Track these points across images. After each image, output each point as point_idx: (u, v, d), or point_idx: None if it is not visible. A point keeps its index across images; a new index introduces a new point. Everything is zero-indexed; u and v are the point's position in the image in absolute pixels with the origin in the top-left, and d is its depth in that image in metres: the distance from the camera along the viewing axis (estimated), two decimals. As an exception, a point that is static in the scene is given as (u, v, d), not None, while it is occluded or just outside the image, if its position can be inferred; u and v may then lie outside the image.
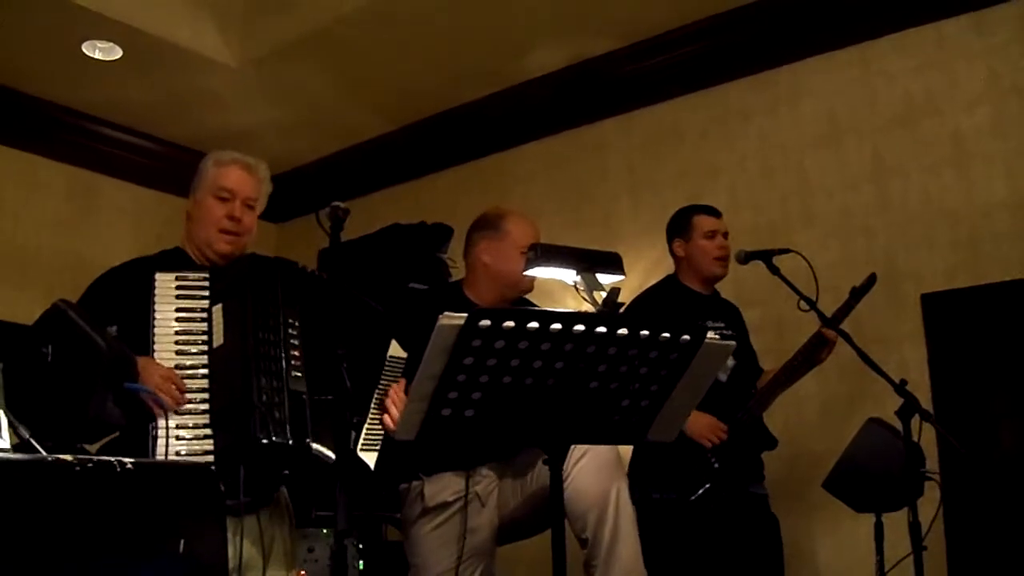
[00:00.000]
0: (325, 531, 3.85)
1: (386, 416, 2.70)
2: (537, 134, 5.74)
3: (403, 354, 2.78)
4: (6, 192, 5.56)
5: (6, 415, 1.58)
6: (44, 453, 1.59)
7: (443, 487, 3.17)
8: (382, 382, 2.70)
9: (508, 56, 5.32)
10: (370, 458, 2.61)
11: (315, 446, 2.41)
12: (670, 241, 3.97)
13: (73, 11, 4.71)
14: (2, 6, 4.63)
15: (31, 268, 5.47)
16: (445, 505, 3.16)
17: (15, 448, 1.75)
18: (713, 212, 3.93)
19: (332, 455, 2.44)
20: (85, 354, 2.06)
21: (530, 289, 3.38)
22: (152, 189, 6.15)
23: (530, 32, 5.08)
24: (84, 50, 5.09)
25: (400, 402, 2.68)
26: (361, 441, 2.61)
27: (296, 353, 2.46)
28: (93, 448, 2.58)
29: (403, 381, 2.75)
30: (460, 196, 5.76)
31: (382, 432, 2.71)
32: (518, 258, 3.27)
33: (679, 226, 3.94)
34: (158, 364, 2.42)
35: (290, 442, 2.36)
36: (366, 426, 2.65)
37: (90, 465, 1.32)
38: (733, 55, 4.98)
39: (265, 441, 2.32)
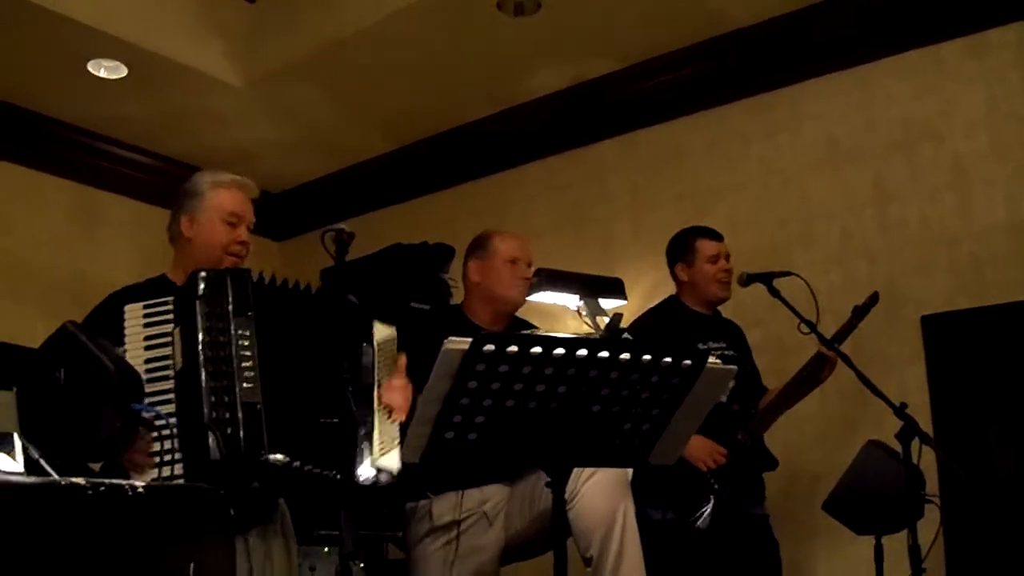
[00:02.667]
0: (327, 549, 3.85)
1: (396, 413, 2.63)
2: (538, 155, 5.77)
3: (390, 332, 2.71)
4: (9, 208, 5.57)
5: (20, 438, 1.60)
6: (55, 475, 1.61)
7: (451, 506, 3.20)
8: (378, 372, 2.65)
9: (509, 77, 5.35)
10: (392, 460, 2.54)
11: (272, 456, 2.36)
12: (672, 265, 3.98)
13: (78, 30, 4.75)
14: (8, 24, 4.67)
15: (33, 284, 5.47)
16: (452, 524, 3.18)
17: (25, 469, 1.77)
18: (715, 235, 3.95)
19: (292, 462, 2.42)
20: (94, 376, 2.08)
21: (521, 303, 3.43)
22: (155, 206, 6.14)
23: (531, 53, 5.12)
24: (89, 68, 5.12)
25: (400, 389, 2.65)
26: (377, 448, 2.56)
27: (247, 364, 2.41)
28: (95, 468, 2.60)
29: (402, 360, 2.70)
30: (460, 216, 5.78)
31: (396, 429, 2.62)
32: (505, 273, 3.37)
33: (681, 250, 3.95)
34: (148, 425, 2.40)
35: (241, 454, 2.32)
36: (376, 432, 2.60)
37: (102, 489, 1.34)
38: (733, 77, 5.02)
39: (216, 458, 2.29)
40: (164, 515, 1.43)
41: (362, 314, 2.65)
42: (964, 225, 4.32)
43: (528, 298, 3.34)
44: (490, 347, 1.89)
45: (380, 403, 2.60)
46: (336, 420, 2.28)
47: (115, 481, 1.37)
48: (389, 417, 2.62)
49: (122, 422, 2.10)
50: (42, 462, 1.72)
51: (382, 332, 2.68)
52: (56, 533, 1.30)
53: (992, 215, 4.26)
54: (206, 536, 1.49)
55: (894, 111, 4.58)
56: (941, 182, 4.41)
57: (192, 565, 1.39)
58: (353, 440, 2.26)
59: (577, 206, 5.58)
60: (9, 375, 2.05)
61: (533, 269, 3.42)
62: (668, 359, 2.07)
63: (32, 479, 1.36)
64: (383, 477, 2.45)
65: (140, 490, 1.38)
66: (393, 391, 2.64)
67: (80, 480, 1.34)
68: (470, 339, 1.89)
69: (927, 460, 3.44)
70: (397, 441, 2.59)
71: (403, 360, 2.69)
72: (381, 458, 2.51)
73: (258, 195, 2.94)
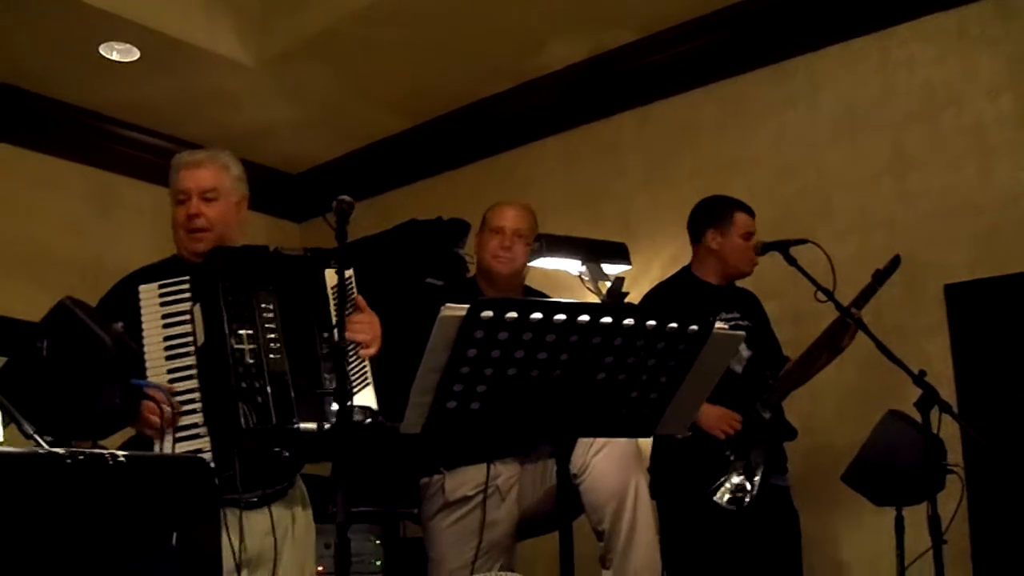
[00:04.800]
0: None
1: (361, 349, 2.60)
2: (554, 129, 5.71)
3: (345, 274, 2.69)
4: (25, 193, 5.58)
5: (3, 409, 1.59)
6: (44, 445, 1.59)
7: (464, 481, 3.19)
8: (336, 315, 2.63)
9: (523, 51, 5.29)
10: (365, 397, 2.52)
11: (303, 425, 2.39)
12: (703, 229, 3.87)
13: (90, 13, 4.73)
14: (19, 8, 4.66)
15: (51, 269, 5.49)
16: (466, 499, 3.18)
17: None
18: (751, 211, 3.89)
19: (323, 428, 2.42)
20: (90, 350, 2.06)
21: (503, 271, 3.40)
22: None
23: (545, 27, 5.05)
24: (101, 51, 5.10)
25: (364, 323, 2.62)
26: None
27: (272, 336, 2.46)
28: (110, 446, 2.60)
29: (360, 301, 2.67)
30: (477, 193, 5.70)
31: (365, 365, 2.61)
32: (488, 243, 3.41)
33: (717, 216, 3.86)
34: (151, 399, 2.41)
35: (273, 423, 2.36)
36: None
37: (82, 458, 1.32)
38: (750, 46, 4.93)
39: (248, 428, 2.32)
40: (146, 485, 1.41)
41: (309, 265, 2.64)
42: (987, 192, 4.22)
43: (530, 264, 3.31)
44: (488, 313, 1.86)
45: (343, 342, 2.58)
46: (332, 389, 2.26)
47: (95, 451, 1.35)
48: (356, 354, 2.59)
49: (121, 397, 2.08)
50: (36, 436, 1.70)
51: (334, 278, 2.65)
52: (35, 502, 1.28)
53: (1016, 181, 4.16)
54: (190, 506, 1.47)
55: (915, 76, 4.48)
56: (963, 148, 4.30)
57: (175, 534, 1.37)
58: (347, 410, 2.23)
59: (594, 181, 5.52)
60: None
61: (523, 237, 3.40)
62: (673, 324, 2.03)
63: (10, 448, 1.34)
64: (358, 415, 2.42)
65: (121, 459, 1.36)
66: (357, 326, 2.62)
67: (59, 449, 1.31)
68: (467, 305, 1.85)
69: (951, 430, 3.38)
70: (368, 379, 2.57)
71: (361, 299, 2.67)
72: (354, 397, 2.48)
73: (226, 161, 2.89)
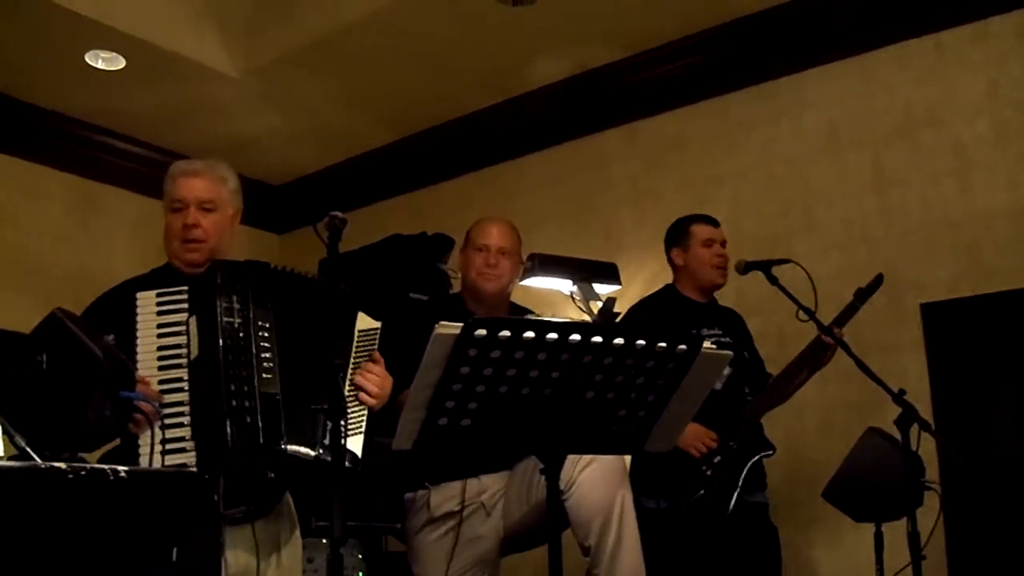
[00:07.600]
0: (325, 541, 3.84)
1: (361, 393, 2.60)
2: (540, 145, 5.75)
3: (374, 325, 2.69)
4: (9, 201, 5.56)
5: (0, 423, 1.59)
6: (37, 460, 1.59)
7: (449, 496, 3.19)
8: (354, 359, 2.62)
9: (511, 67, 5.33)
10: (356, 443, 2.53)
11: (291, 447, 2.38)
12: (668, 251, 3.98)
13: (76, 21, 4.73)
14: (4, 14, 4.64)
15: (34, 277, 5.47)
16: (451, 514, 3.18)
17: (11, 458, 1.75)
18: (711, 221, 3.95)
19: (311, 452, 2.42)
20: (82, 362, 2.06)
21: (489, 289, 3.40)
22: (154, 199, 6.11)
23: (533, 43, 5.09)
24: (87, 60, 5.10)
25: (378, 376, 2.63)
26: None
27: (267, 356, 2.44)
28: (92, 458, 2.59)
29: (378, 357, 2.68)
30: (463, 207, 5.74)
31: (363, 413, 2.62)
32: (473, 260, 3.40)
33: (677, 235, 3.96)
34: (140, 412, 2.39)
35: (260, 444, 2.34)
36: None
37: (83, 473, 1.33)
38: (734, 66, 4.99)
39: (234, 448, 2.30)
40: (146, 500, 1.41)
41: (352, 301, 2.62)
42: (966, 211, 4.29)
43: (521, 283, 3.32)
44: (481, 332, 1.88)
45: (350, 387, 2.59)
46: (326, 406, 2.26)
47: (96, 465, 1.36)
48: (357, 401, 2.59)
49: (112, 409, 2.08)
50: (28, 450, 1.70)
51: (365, 322, 2.66)
52: (36, 518, 1.29)
53: (994, 201, 4.23)
54: (190, 521, 1.47)
55: (895, 98, 4.55)
56: (942, 168, 4.38)
57: (175, 550, 1.37)
58: (339, 428, 2.23)
59: (579, 196, 5.56)
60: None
61: (507, 255, 3.41)
62: (663, 344, 2.05)
63: (11, 463, 1.35)
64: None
65: (122, 474, 1.37)
66: (370, 376, 2.62)
67: (60, 464, 1.32)
68: (461, 324, 1.87)
69: (928, 447, 3.43)
70: (362, 428, 2.58)
71: (378, 356, 2.68)
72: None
73: (224, 173, 2.86)
